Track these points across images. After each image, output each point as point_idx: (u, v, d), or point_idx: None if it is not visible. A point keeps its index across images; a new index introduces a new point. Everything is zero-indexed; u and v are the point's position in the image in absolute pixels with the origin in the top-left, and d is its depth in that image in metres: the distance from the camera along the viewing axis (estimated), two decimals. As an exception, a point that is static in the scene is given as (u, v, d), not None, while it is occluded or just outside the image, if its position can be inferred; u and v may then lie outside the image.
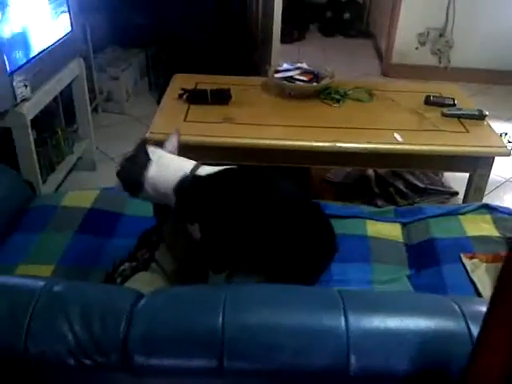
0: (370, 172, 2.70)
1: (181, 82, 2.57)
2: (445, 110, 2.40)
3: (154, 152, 1.28)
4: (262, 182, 1.36)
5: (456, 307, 0.95)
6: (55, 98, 2.59)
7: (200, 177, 1.28)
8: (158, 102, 2.61)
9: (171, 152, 1.36)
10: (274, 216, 1.30)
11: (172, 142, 1.38)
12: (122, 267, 1.45)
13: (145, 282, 1.37)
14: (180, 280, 1.41)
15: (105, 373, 0.94)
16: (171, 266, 1.44)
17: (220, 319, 0.89)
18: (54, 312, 0.91)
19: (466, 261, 1.59)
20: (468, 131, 2.28)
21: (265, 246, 1.31)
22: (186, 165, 1.30)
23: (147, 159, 1.25)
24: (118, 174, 1.30)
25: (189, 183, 1.26)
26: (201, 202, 1.27)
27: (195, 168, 1.29)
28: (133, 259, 1.47)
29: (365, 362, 0.89)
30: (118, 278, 1.40)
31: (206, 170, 1.30)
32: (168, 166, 1.29)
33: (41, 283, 0.96)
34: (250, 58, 3.59)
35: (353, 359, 0.88)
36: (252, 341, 0.90)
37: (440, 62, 4.29)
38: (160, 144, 1.39)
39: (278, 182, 1.38)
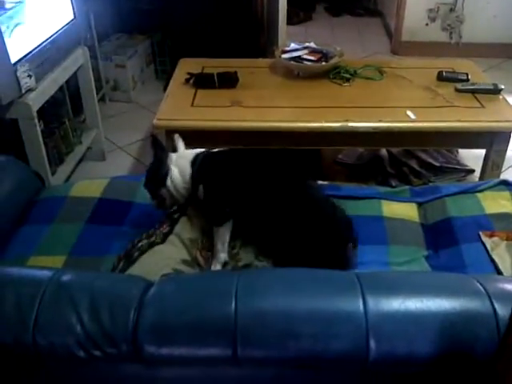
0: (383, 152, 2.64)
1: (187, 66, 2.53)
2: (458, 86, 2.34)
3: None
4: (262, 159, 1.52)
5: (479, 286, 0.91)
6: (61, 88, 2.56)
7: (211, 152, 1.50)
8: (165, 89, 2.57)
9: None
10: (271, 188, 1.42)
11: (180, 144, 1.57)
12: (140, 243, 1.45)
13: (162, 255, 1.39)
14: (198, 249, 1.44)
15: (115, 364, 0.92)
16: (190, 235, 1.46)
17: (233, 305, 0.86)
18: (62, 303, 0.89)
19: (485, 239, 1.55)
20: (483, 106, 2.22)
21: (265, 218, 1.40)
22: (199, 149, 1.52)
23: (165, 150, 1.50)
24: (147, 175, 1.51)
25: (202, 155, 1.48)
26: (208, 165, 1.46)
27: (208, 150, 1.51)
28: (151, 236, 1.48)
29: (385, 347, 0.86)
30: (136, 253, 1.41)
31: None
32: (184, 151, 1.53)
33: (48, 274, 0.94)
34: (256, 41, 3.53)
35: (372, 344, 0.85)
36: (267, 327, 0.86)
37: (451, 38, 4.18)
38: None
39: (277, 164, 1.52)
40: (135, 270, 1.34)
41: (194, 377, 0.95)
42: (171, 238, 1.45)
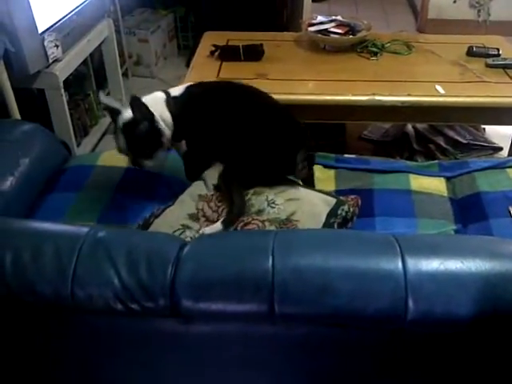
0: (410, 129, 2.61)
1: (212, 39, 2.50)
2: (489, 61, 2.29)
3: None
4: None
5: (521, 249, 0.90)
6: (85, 61, 2.56)
7: (176, 96, 1.48)
8: (188, 65, 2.56)
9: None
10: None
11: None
12: (158, 211, 1.45)
13: (173, 215, 1.39)
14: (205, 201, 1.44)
15: (152, 319, 0.92)
16: (200, 192, 1.45)
17: (270, 262, 0.86)
18: (100, 256, 0.89)
19: (515, 214, 1.52)
20: (514, 82, 2.17)
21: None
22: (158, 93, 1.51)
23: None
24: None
25: (172, 101, 1.47)
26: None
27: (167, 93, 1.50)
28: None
29: (423, 307, 0.85)
30: (151, 219, 1.40)
31: (176, 91, 1.50)
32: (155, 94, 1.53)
33: (85, 229, 0.94)
34: (279, 17, 3.49)
35: (411, 303, 0.84)
36: (304, 284, 0.86)
37: (479, 16, 4.09)
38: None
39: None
40: None
41: (227, 333, 0.95)
42: (182, 197, 1.44)
